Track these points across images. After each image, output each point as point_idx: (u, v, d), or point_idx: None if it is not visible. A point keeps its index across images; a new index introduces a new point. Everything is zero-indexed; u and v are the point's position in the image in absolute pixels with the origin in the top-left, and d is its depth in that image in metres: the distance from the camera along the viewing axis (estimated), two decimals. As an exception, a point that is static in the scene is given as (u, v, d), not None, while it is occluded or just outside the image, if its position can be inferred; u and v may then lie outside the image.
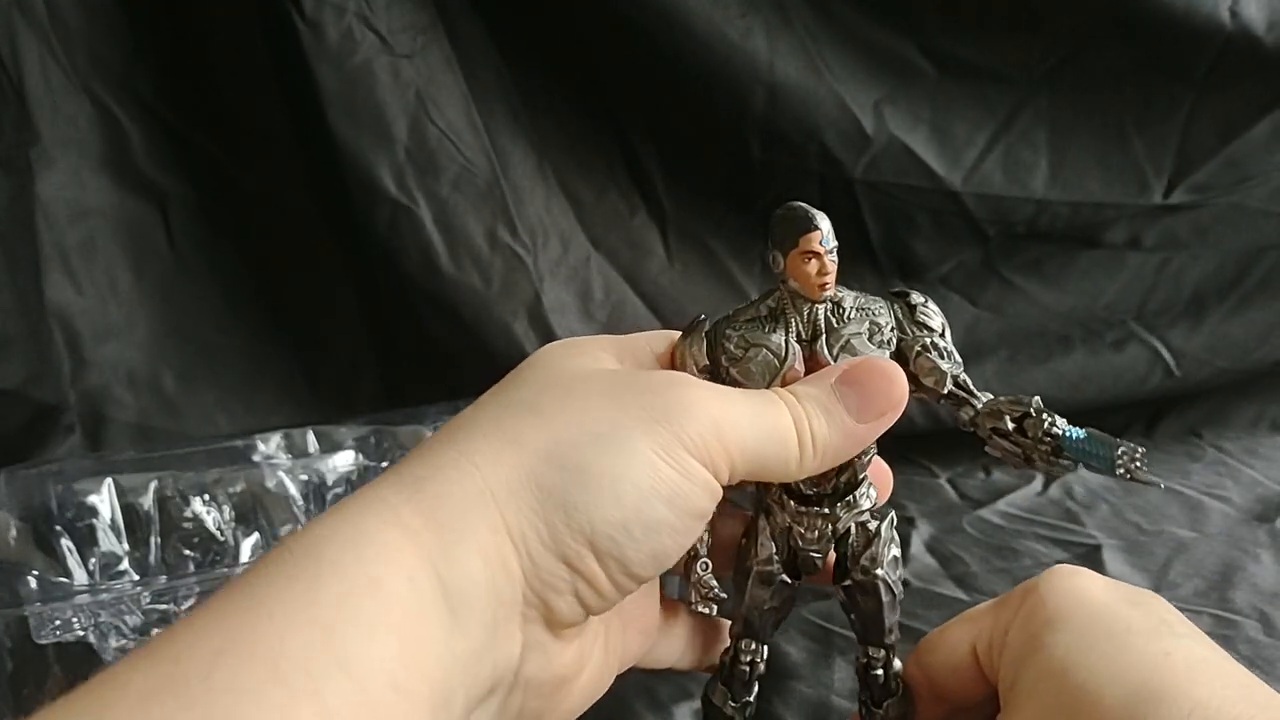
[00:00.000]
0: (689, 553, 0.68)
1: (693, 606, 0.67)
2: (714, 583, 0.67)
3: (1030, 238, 1.43)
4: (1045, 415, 0.60)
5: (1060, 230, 1.43)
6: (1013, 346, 1.44)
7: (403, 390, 1.39)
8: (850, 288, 0.65)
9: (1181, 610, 1.01)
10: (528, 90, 1.37)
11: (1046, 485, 1.35)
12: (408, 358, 1.39)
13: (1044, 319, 1.46)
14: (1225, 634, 0.99)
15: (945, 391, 0.62)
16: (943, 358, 0.62)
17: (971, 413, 0.63)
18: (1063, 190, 1.40)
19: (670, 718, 0.86)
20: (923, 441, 1.44)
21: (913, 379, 0.62)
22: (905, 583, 1.10)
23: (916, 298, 0.64)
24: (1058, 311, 1.46)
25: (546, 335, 1.35)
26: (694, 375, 0.62)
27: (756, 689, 0.71)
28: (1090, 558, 1.14)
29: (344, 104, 1.25)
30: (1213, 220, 1.43)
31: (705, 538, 0.67)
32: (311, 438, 1.07)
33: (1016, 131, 1.40)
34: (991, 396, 0.63)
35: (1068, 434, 0.59)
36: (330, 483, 1.07)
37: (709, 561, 0.67)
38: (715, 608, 0.67)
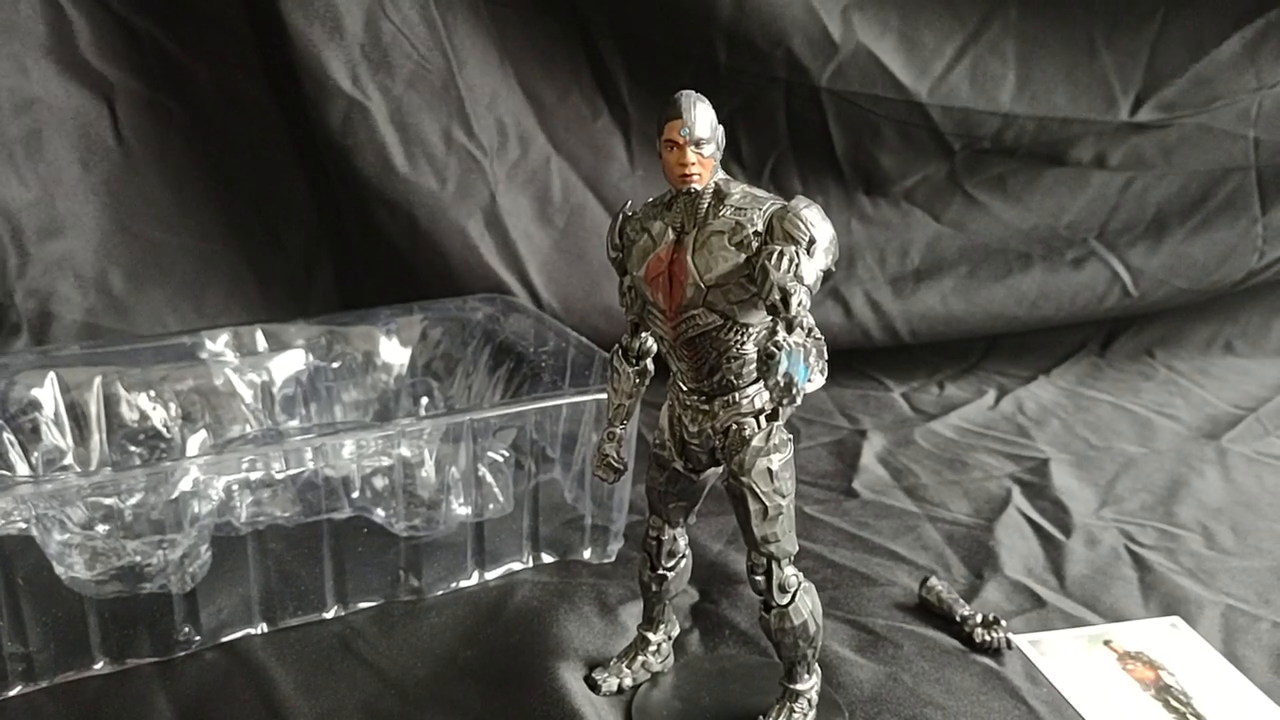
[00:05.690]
0: (607, 430, 0.73)
1: (594, 472, 0.74)
2: (613, 455, 0.73)
3: (995, 153, 1.42)
4: (775, 360, 0.59)
5: (1026, 146, 1.42)
6: (973, 262, 1.44)
7: (356, 292, 1.36)
8: (762, 188, 0.64)
9: (1126, 523, 1.05)
10: (489, -14, 1.33)
11: (998, 400, 1.36)
12: (361, 259, 1.37)
13: (1006, 235, 1.45)
14: (1169, 546, 1.01)
15: (767, 301, 0.60)
16: (787, 269, 0.60)
17: (770, 336, 0.61)
18: (1029, 104, 1.39)
19: (617, 618, 0.86)
20: (878, 356, 1.45)
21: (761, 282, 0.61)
22: (860, 498, 1.11)
23: (796, 206, 0.61)
24: (1020, 228, 1.45)
25: (502, 238, 1.33)
26: (611, 256, 0.68)
27: (677, 569, 0.76)
28: (1039, 471, 1.16)
29: (298, -5, 1.21)
30: (1179, 140, 1.43)
31: (628, 417, 0.73)
32: (260, 336, 1.05)
33: (985, 43, 1.37)
34: (805, 336, 0.60)
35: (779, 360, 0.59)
36: (280, 382, 1.05)
37: (623, 438, 0.73)
38: (614, 476, 0.73)
